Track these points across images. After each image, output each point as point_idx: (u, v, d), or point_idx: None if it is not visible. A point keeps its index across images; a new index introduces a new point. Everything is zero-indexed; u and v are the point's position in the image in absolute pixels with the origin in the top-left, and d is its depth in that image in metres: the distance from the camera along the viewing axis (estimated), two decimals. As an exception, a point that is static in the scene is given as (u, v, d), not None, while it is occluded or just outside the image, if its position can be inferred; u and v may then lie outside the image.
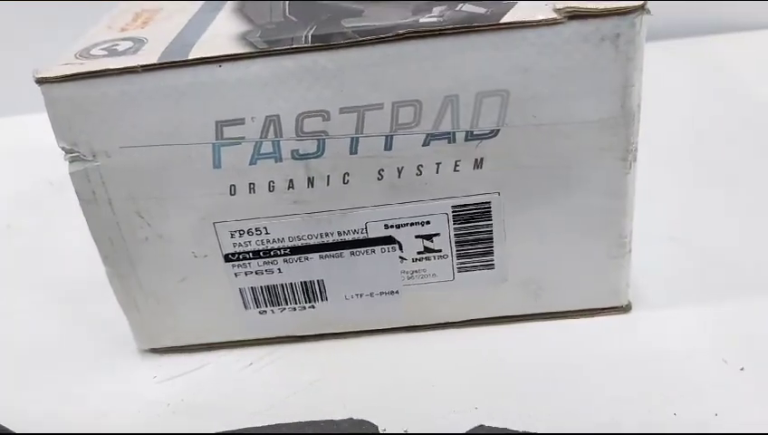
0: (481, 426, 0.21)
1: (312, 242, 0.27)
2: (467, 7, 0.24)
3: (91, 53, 0.25)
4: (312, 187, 0.25)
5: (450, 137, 0.24)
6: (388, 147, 0.25)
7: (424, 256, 0.27)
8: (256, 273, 0.27)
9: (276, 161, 0.25)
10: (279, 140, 0.24)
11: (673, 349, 0.27)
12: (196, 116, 0.24)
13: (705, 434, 0.22)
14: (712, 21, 0.51)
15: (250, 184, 0.25)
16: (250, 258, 0.27)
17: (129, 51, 0.24)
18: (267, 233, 0.26)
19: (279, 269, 0.27)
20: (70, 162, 0.25)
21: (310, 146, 0.25)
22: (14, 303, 0.34)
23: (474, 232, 0.26)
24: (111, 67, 0.23)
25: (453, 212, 0.26)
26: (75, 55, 0.25)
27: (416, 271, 0.27)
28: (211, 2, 0.28)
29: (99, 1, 0.30)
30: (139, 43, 0.25)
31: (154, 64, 0.23)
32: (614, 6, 0.22)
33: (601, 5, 0.22)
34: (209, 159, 0.25)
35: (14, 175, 0.46)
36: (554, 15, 0.22)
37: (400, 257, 0.27)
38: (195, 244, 0.27)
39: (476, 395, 0.26)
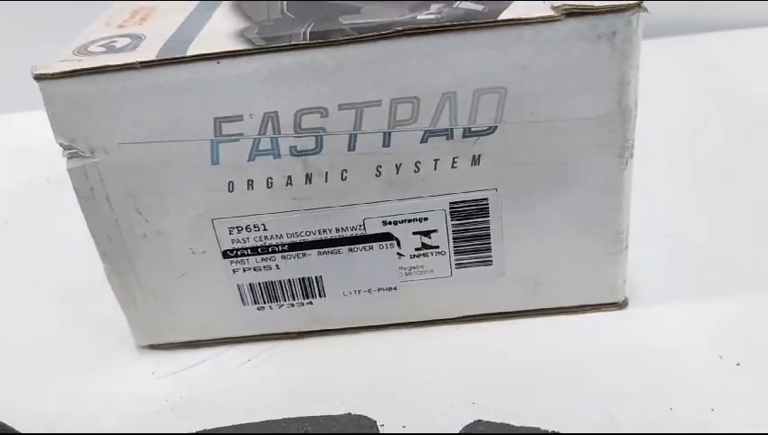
0: (479, 421, 0.21)
1: (310, 238, 0.27)
2: (465, 5, 0.24)
3: (89, 49, 0.25)
4: (311, 183, 0.25)
5: (448, 134, 0.24)
6: (387, 143, 0.25)
7: (422, 252, 0.27)
8: (254, 269, 0.27)
9: (274, 158, 0.25)
10: (277, 137, 0.25)
11: (669, 345, 0.27)
12: (194, 113, 0.24)
13: (703, 434, 0.22)
14: (708, 19, 0.51)
15: (248, 180, 0.25)
16: (248, 255, 0.27)
17: (127, 47, 0.24)
18: (265, 229, 0.27)
19: (277, 265, 0.27)
20: (68, 159, 0.25)
21: (308, 142, 0.25)
22: (12, 300, 0.34)
23: (471, 228, 0.27)
24: (110, 64, 0.23)
25: (450, 208, 0.26)
26: (73, 52, 0.25)
27: (413, 267, 0.27)
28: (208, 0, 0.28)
29: (97, 1, 0.30)
30: (136, 39, 0.25)
31: (152, 61, 0.23)
32: (611, 4, 0.22)
33: (598, 3, 0.22)
34: (207, 156, 0.25)
35: (11, 172, 0.46)
36: (551, 13, 0.23)
37: (398, 254, 0.27)
38: (193, 240, 0.27)
39: (474, 391, 0.26)
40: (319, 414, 0.24)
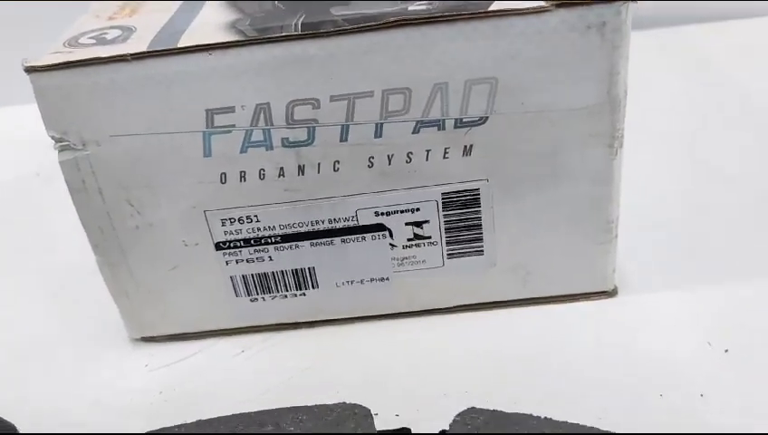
0: (472, 408, 0.22)
1: (302, 230, 0.27)
2: (455, -5, 0.24)
3: (79, 41, 0.25)
4: (303, 175, 0.26)
5: (440, 124, 0.25)
6: (379, 134, 0.25)
7: (414, 242, 0.27)
8: (247, 261, 0.27)
9: (267, 149, 0.25)
10: (269, 129, 0.25)
11: (658, 332, 0.27)
12: (186, 104, 0.24)
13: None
14: (697, 10, 0.51)
15: (241, 172, 0.25)
16: (241, 246, 0.27)
17: (117, 39, 0.24)
18: (258, 221, 0.27)
19: (270, 257, 0.27)
20: (59, 151, 0.25)
21: (300, 134, 0.25)
22: (4, 293, 0.34)
23: (463, 219, 0.27)
24: (101, 56, 0.23)
25: (442, 199, 0.26)
26: (64, 44, 0.25)
27: (406, 258, 0.28)
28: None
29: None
30: (127, 31, 0.25)
31: (144, 53, 0.23)
32: (601, -6, 0.22)
33: (588, -7, 0.23)
34: (200, 148, 0.25)
35: (1, 166, 0.45)
36: (542, 4, 0.23)
37: (390, 244, 0.27)
38: (185, 232, 0.27)
39: (466, 379, 0.26)
40: (313, 404, 0.24)
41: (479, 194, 0.26)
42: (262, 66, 0.23)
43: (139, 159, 0.25)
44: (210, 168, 0.25)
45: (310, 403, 0.24)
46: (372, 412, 0.22)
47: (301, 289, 0.28)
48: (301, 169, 0.25)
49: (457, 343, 0.28)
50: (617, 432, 0.21)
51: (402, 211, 0.26)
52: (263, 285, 0.28)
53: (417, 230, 0.27)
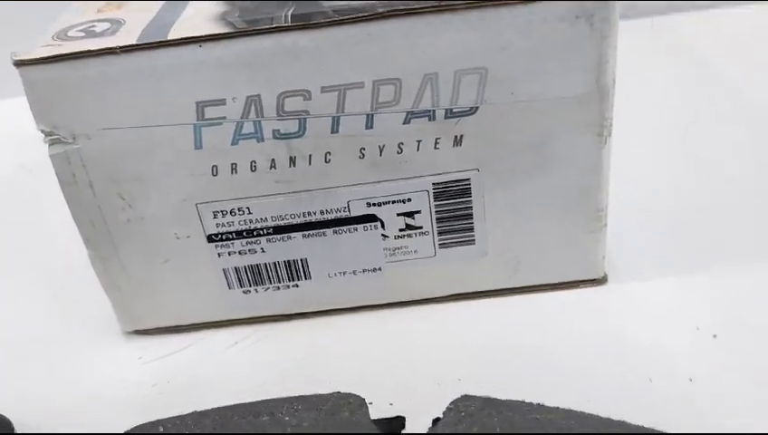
0: (466, 396, 0.22)
1: (294, 221, 0.27)
2: (445, -14, 0.24)
3: (68, 34, 0.25)
4: (294, 166, 0.26)
5: (430, 114, 0.25)
6: (370, 125, 0.25)
7: (406, 232, 0.27)
8: (240, 253, 0.28)
9: (258, 141, 0.25)
10: (260, 120, 0.25)
11: (648, 318, 0.27)
12: (176, 97, 0.24)
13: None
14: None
15: (232, 164, 0.25)
16: (233, 238, 0.27)
17: (107, 32, 0.24)
18: (250, 213, 0.27)
19: (262, 249, 0.27)
20: (50, 145, 0.25)
21: (291, 125, 0.25)
22: (-6, 289, 0.34)
23: (454, 208, 0.27)
24: (90, 49, 0.23)
25: (434, 189, 0.26)
26: (53, 37, 0.24)
27: (398, 248, 0.28)
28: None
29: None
30: (116, 24, 0.25)
31: (133, 45, 0.23)
32: (589, -16, 0.23)
33: (576, -17, 0.23)
34: (191, 140, 0.25)
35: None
36: (531, -7, 0.23)
37: (382, 235, 0.27)
38: (177, 225, 0.27)
39: (459, 367, 0.26)
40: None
41: (470, 184, 0.26)
42: (252, 58, 0.23)
43: (129, 152, 0.25)
44: (201, 160, 0.25)
45: (304, 393, 0.24)
46: (367, 401, 0.22)
47: (293, 280, 0.28)
48: (292, 161, 0.25)
49: (450, 332, 0.28)
50: (606, 417, 0.21)
51: (394, 202, 0.27)
52: (255, 276, 0.28)
53: (409, 220, 0.27)
